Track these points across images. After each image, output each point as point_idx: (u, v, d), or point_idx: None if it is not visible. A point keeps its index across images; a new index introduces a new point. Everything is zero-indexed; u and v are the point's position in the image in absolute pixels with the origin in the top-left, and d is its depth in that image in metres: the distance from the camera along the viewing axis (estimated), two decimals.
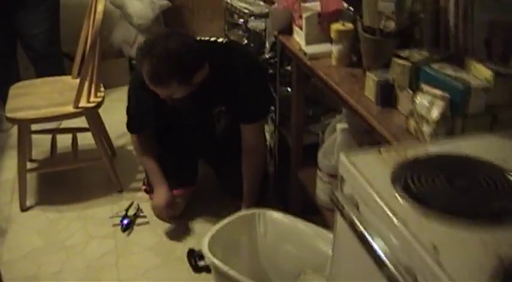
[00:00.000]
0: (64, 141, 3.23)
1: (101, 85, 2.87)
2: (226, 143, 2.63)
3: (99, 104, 2.80)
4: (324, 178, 2.23)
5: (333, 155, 2.19)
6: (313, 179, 2.34)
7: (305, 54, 2.03)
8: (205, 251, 1.80)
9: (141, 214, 2.76)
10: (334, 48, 1.94)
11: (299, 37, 2.15)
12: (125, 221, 2.69)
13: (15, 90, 2.91)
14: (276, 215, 1.98)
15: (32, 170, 2.91)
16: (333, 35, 1.93)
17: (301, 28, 2.11)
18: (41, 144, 3.28)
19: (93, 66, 2.70)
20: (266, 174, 2.80)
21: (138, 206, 2.81)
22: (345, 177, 1.28)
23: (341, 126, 2.15)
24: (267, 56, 2.66)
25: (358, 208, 1.24)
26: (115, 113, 2.79)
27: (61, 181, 3.03)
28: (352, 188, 1.26)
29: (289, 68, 2.58)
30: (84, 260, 2.51)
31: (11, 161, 2.93)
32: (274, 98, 2.62)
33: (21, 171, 2.75)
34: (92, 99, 2.76)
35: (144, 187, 2.82)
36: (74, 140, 3.10)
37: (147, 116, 2.52)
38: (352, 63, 1.93)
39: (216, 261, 1.75)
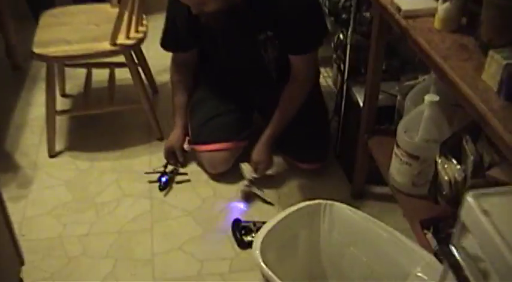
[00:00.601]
0: (101, 74, 2.86)
1: (143, 17, 2.48)
2: (279, 85, 2.30)
3: (140, 41, 2.41)
4: (402, 157, 1.83)
5: (416, 131, 1.79)
6: (385, 150, 1.98)
7: (399, 9, 1.58)
8: (256, 255, 1.45)
9: (181, 171, 2.42)
10: (440, 7, 1.48)
11: None
12: (163, 179, 2.35)
13: (46, 18, 2.52)
14: (346, 210, 1.60)
15: (62, 112, 2.56)
16: None
17: None
18: (75, 77, 2.93)
19: None
20: (328, 131, 2.47)
21: None
22: (471, 228, 0.89)
23: (430, 98, 1.73)
24: None
25: (485, 277, 0.86)
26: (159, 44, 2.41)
27: (94, 124, 2.69)
28: (481, 247, 0.87)
29: (367, 14, 2.13)
30: (115, 222, 2.20)
31: (43, 95, 2.56)
32: (327, 28, 2.29)
33: (50, 115, 2.41)
34: (132, 34, 2.37)
35: (187, 137, 2.43)
36: (111, 76, 2.73)
37: (182, 32, 2.29)
38: (460, 29, 1.49)
39: (269, 273, 1.40)
